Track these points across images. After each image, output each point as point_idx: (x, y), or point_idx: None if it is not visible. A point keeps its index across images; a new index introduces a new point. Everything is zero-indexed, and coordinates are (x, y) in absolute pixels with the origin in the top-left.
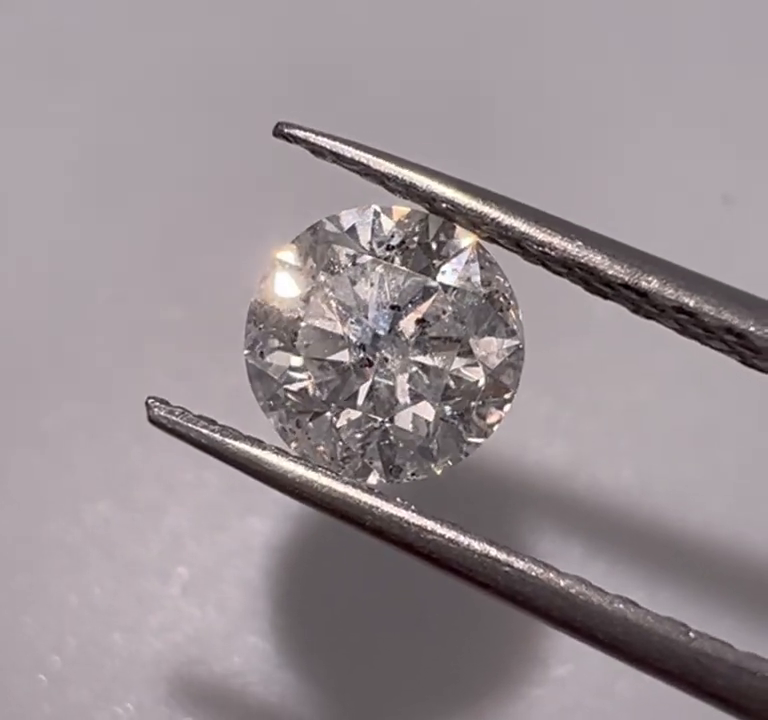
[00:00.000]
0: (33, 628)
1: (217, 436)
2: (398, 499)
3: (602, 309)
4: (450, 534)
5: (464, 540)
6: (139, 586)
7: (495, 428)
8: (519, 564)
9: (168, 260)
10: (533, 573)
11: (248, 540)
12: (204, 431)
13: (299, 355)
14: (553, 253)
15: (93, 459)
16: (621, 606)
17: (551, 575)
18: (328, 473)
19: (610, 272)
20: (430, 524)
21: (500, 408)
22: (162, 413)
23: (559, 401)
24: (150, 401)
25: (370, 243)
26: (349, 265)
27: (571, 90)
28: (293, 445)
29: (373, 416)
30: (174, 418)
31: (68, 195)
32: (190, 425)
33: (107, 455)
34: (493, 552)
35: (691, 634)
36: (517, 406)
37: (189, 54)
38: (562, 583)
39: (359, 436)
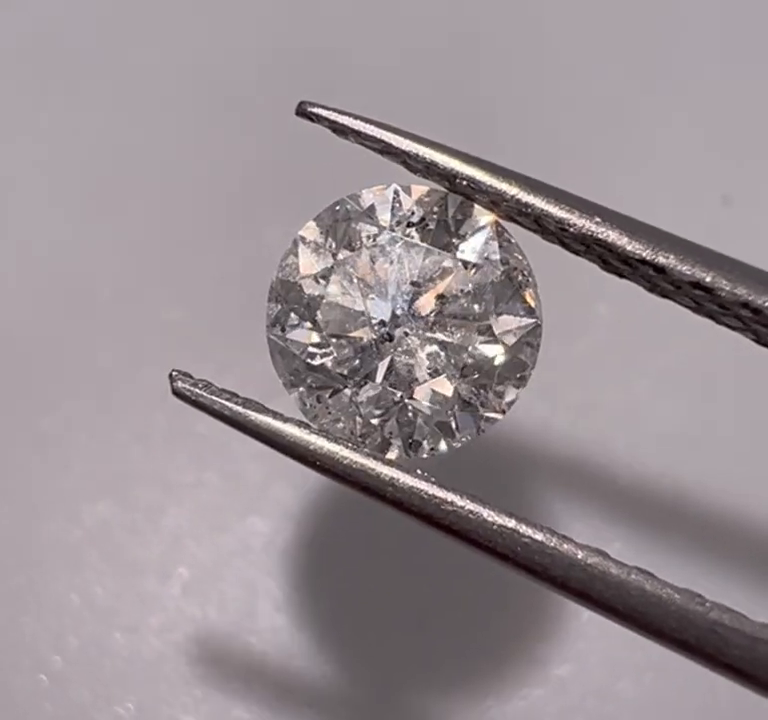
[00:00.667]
0: (33, 628)
1: (240, 408)
2: (418, 471)
3: (600, 308)
4: (470, 506)
5: (483, 511)
6: (140, 586)
7: (512, 405)
8: (538, 535)
9: (168, 260)
10: (552, 544)
11: (248, 540)
12: (227, 403)
13: (320, 331)
14: (572, 229)
15: (93, 459)
16: (639, 577)
17: (570, 546)
18: (349, 446)
19: (629, 248)
20: (450, 496)
21: (517, 385)
22: (186, 385)
23: (556, 400)
24: (174, 373)
25: (390, 221)
26: (369, 243)
27: (570, 90)
28: (314, 420)
29: (393, 392)
30: (197, 391)
31: (68, 195)
32: (213, 398)
33: (107, 455)
34: (512, 523)
35: (707, 604)
36: (512, 406)
37: (189, 53)
38: (580, 554)
39: (378, 412)
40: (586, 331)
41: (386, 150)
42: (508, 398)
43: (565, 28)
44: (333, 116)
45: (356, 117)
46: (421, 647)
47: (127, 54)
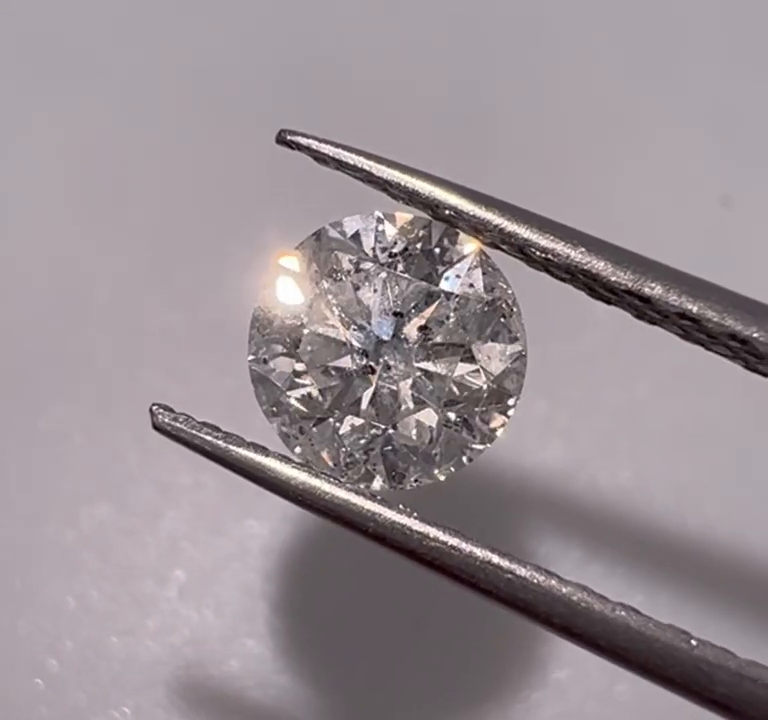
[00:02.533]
0: (30, 632)
1: (221, 443)
2: (401, 506)
3: (600, 309)
4: (452, 541)
5: (466, 547)
6: (136, 589)
7: (498, 434)
8: (521, 571)
9: (167, 264)
10: (535, 580)
11: (246, 543)
12: (208, 438)
13: (302, 361)
14: (556, 259)
15: (90, 462)
16: (623, 613)
17: (553, 582)
18: (331, 480)
19: (613, 278)
20: (432, 531)
21: (503, 414)
22: (166, 420)
23: (556, 402)
24: (154, 408)
25: (373, 249)
26: (352, 271)
27: (570, 94)
28: (296, 451)
29: (376, 422)
30: (178, 425)
31: (68, 198)
32: (194, 432)
33: (104, 458)
34: (495, 559)
35: (693, 642)
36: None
37: (187, 57)
38: (564, 590)
39: (362, 442)
40: (584, 332)
41: (367, 179)
42: (494, 426)
43: (564, 29)
44: (314, 145)
45: (336, 145)
46: (419, 650)
47: (127, 57)
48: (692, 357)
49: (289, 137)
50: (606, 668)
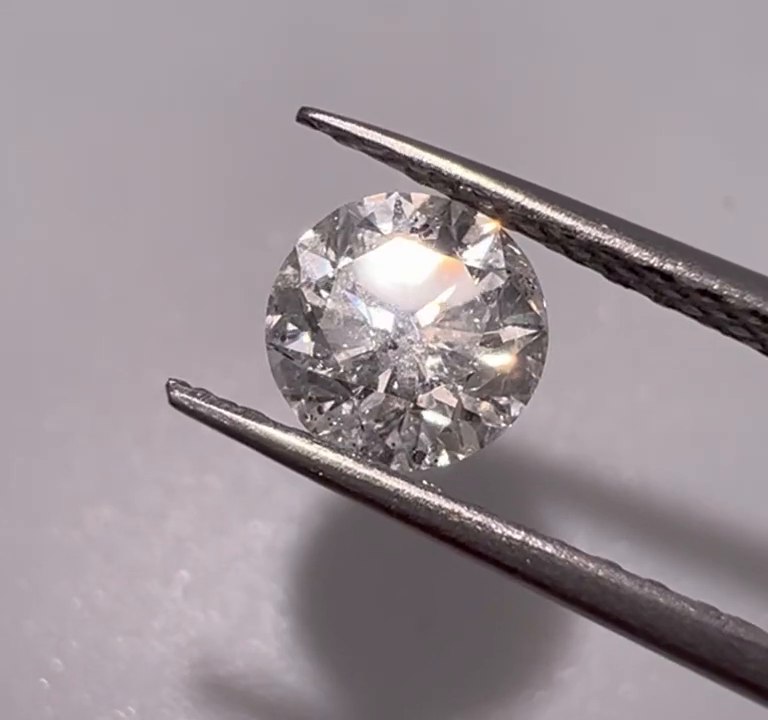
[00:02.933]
0: (35, 632)
1: (240, 418)
2: (424, 482)
3: (602, 310)
4: (477, 517)
5: (491, 523)
6: (141, 589)
7: (517, 414)
8: (547, 547)
9: (169, 261)
10: (562, 556)
11: (250, 543)
12: (227, 413)
13: (321, 341)
14: (578, 236)
15: (94, 462)
16: (652, 590)
17: (580, 558)
18: (353, 456)
19: (636, 255)
20: (457, 507)
21: (522, 397)
22: (184, 395)
23: (559, 403)
24: (171, 382)
25: (392, 228)
26: (371, 250)
27: (571, 94)
28: (315, 433)
29: (395, 403)
30: (195, 400)
31: (69, 196)
32: (212, 407)
33: (108, 458)
34: (521, 535)
35: (723, 617)
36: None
37: (188, 57)
38: (591, 566)
39: (381, 423)
40: (587, 333)
41: (389, 157)
42: (512, 410)
43: (568, 31)
44: (335, 122)
45: (359, 123)
46: (423, 649)
47: (127, 55)
48: (695, 359)
49: (311, 115)
50: (610, 667)
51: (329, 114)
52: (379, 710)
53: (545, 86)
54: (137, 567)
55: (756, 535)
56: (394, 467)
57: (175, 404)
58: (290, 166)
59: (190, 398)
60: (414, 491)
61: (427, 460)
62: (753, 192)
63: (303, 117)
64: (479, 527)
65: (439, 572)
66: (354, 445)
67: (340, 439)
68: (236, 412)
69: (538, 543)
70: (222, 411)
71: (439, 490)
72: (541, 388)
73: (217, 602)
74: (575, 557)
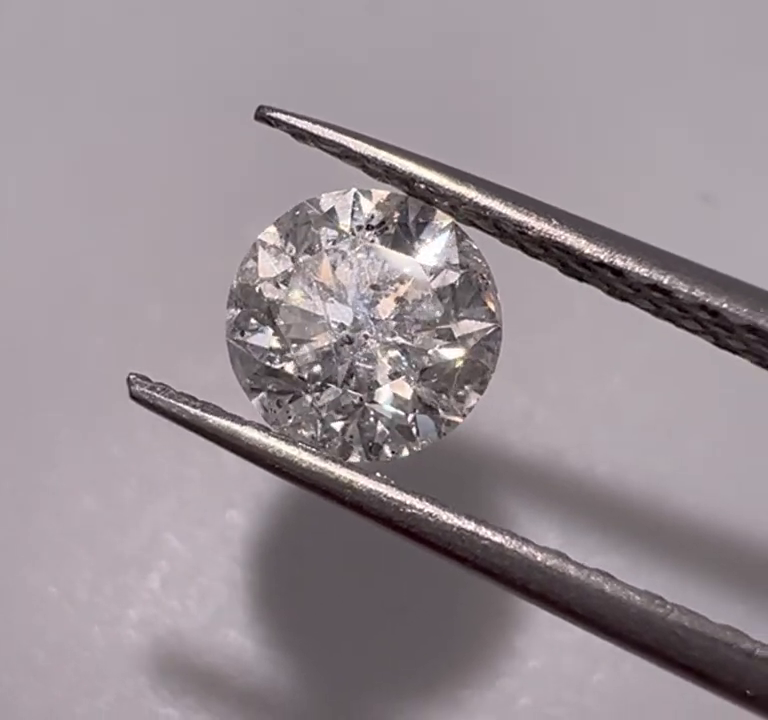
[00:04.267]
0: (13, 622)
1: (198, 411)
2: (378, 474)
3: (576, 301)
4: (429, 509)
5: (442, 514)
6: (119, 580)
7: (472, 407)
8: (497, 538)
9: (164, 260)
10: (511, 546)
11: (228, 534)
12: (185, 407)
13: (280, 336)
14: (530, 232)
15: (75, 454)
16: (598, 579)
17: (529, 549)
18: (308, 449)
19: (586, 251)
20: (409, 499)
21: (478, 389)
22: (144, 389)
23: (533, 394)
24: (132, 377)
25: (350, 225)
26: (329, 246)
27: (555, 91)
28: (275, 426)
29: (353, 395)
30: (155, 394)
31: (68, 198)
32: (171, 401)
33: (90, 451)
34: (472, 526)
35: (668, 606)
36: (491, 400)
37: (188, 57)
38: (540, 556)
39: (339, 416)
40: (560, 324)
41: (345, 154)
42: (468, 402)
43: (555, 30)
44: (292, 121)
45: (314, 121)
46: (397, 638)
47: (124, 55)
48: (668, 348)
49: (268, 113)
50: (583, 657)
51: (286, 112)
52: (353, 699)
53: (527, 87)
54: (115, 557)
55: (728, 526)
56: (353, 459)
57: (135, 398)
58: (286, 166)
59: (150, 392)
60: (367, 483)
61: (386, 452)
62: (734, 189)
63: (261, 115)
64: (430, 518)
65: (414, 562)
66: (313, 438)
67: (300, 432)
68: (194, 406)
69: (488, 533)
70: (181, 405)
71: (392, 482)
72: (515, 380)
73: (194, 592)
74: (524, 547)
